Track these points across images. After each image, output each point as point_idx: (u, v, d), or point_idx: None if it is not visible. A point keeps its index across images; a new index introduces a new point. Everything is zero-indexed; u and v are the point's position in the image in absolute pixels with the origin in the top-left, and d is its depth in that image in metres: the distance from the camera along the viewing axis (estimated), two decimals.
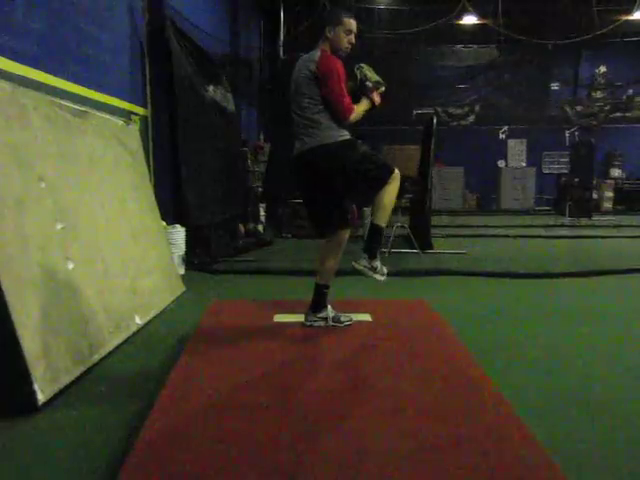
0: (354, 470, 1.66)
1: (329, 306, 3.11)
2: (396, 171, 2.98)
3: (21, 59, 3.29)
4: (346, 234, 3.10)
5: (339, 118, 2.83)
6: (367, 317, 3.29)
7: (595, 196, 12.73)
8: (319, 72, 2.76)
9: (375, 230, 2.97)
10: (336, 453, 1.75)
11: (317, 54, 2.80)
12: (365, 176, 2.93)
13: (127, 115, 4.74)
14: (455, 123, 14.41)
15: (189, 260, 5.31)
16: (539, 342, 3.10)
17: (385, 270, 3.01)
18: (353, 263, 2.97)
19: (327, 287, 3.10)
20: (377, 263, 2.96)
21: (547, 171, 15.11)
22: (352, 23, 2.83)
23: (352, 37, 2.83)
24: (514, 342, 3.11)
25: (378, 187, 2.96)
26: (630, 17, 11.56)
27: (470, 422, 1.96)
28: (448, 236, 8.33)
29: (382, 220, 2.96)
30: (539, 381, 2.51)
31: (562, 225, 10.42)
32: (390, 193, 2.96)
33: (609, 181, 14.07)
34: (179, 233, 5.08)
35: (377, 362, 2.66)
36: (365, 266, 2.94)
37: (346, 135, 2.93)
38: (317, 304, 3.10)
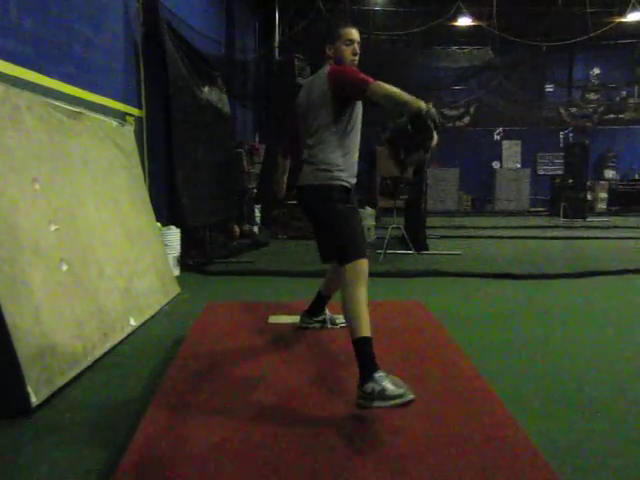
0: (349, 471, 1.66)
1: (326, 308, 3.11)
2: (364, 264, 2.26)
3: (15, 60, 3.27)
4: None
5: (356, 89, 2.30)
6: None
7: (589, 197, 12.80)
8: (331, 80, 2.40)
9: (355, 345, 2.15)
10: (331, 454, 1.75)
11: (326, 69, 2.50)
12: (329, 238, 2.45)
13: (122, 116, 4.73)
14: (450, 124, 14.46)
15: (184, 261, 5.30)
16: (534, 342, 3.11)
17: (401, 387, 1.97)
18: (359, 402, 2.03)
19: (329, 297, 3.07)
20: (384, 383, 1.98)
21: (542, 172, 15.18)
22: (351, 32, 2.55)
23: (355, 46, 2.55)
24: (509, 343, 3.12)
25: (337, 258, 2.37)
26: (623, 19, 11.64)
27: (464, 423, 1.96)
28: (443, 237, 8.35)
29: (358, 330, 2.15)
30: (534, 381, 2.52)
31: (557, 226, 10.47)
32: (350, 292, 2.21)
33: (603, 182, 14.16)
34: (174, 234, 5.07)
35: None
36: (368, 394, 1.99)
37: (340, 180, 2.41)
38: (315, 309, 3.08)
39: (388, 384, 1.98)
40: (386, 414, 2.02)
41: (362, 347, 2.13)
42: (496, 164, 15.16)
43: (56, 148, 3.02)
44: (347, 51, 2.52)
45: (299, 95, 2.66)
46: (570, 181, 11.76)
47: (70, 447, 1.92)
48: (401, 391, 1.95)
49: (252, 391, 2.28)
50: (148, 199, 4.37)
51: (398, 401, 1.94)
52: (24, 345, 2.20)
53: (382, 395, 1.97)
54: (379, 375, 2.03)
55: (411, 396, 1.93)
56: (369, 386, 2.01)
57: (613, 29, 11.32)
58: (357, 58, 2.55)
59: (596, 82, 14.65)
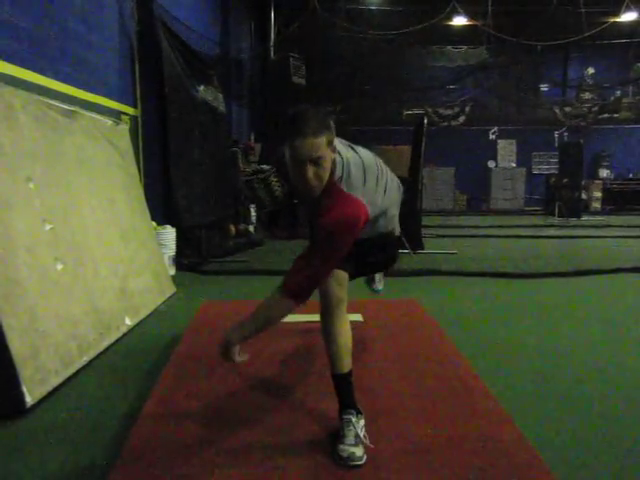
0: (344, 472, 1.66)
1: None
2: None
3: (9, 58, 3.25)
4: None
5: None
6: (358, 317, 3.29)
7: (584, 196, 12.86)
8: None
9: (334, 381, 1.92)
10: (327, 455, 1.75)
11: None
12: None
13: (117, 115, 4.71)
14: (445, 124, 14.47)
15: (179, 261, 5.28)
16: (530, 341, 3.12)
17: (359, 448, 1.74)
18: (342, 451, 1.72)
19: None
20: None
21: (537, 171, 15.21)
22: (301, 147, 1.60)
23: (308, 169, 1.63)
24: (505, 342, 3.12)
25: None
26: (617, 19, 11.68)
27: (460, 422, 1.96)
28: (439, 236, 8.36)
29: (336, 364, 1.89)
30: (530, 381, 2.53)
31: (551, 225, 10.50)
32: (322, 324, 1.98)
33: (598, 181, 14.21)
34: (169, 234, 5.06)
35: (368, 362, 2.65)
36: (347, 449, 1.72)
37: None
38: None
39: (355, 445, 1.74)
40: (383, 414, 2.02)
41: (338, 383, 1.90)
42: (491, 163, 15.18)
43: (51, 147, 3.00)
44: (295, 171, 1.68)
45: None
46: (565, 180, 11.79)
47: (65, 447, 1.91)
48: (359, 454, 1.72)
49: (249, 390, 2.28)
50: (143, 198, 4.35)
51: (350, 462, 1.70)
52: (19, 345, 2.19)
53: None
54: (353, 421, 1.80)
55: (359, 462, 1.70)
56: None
57: (607, 29, 11.36)
58: (319, 182, 1.67)
59: (591, 82, 14.69)
